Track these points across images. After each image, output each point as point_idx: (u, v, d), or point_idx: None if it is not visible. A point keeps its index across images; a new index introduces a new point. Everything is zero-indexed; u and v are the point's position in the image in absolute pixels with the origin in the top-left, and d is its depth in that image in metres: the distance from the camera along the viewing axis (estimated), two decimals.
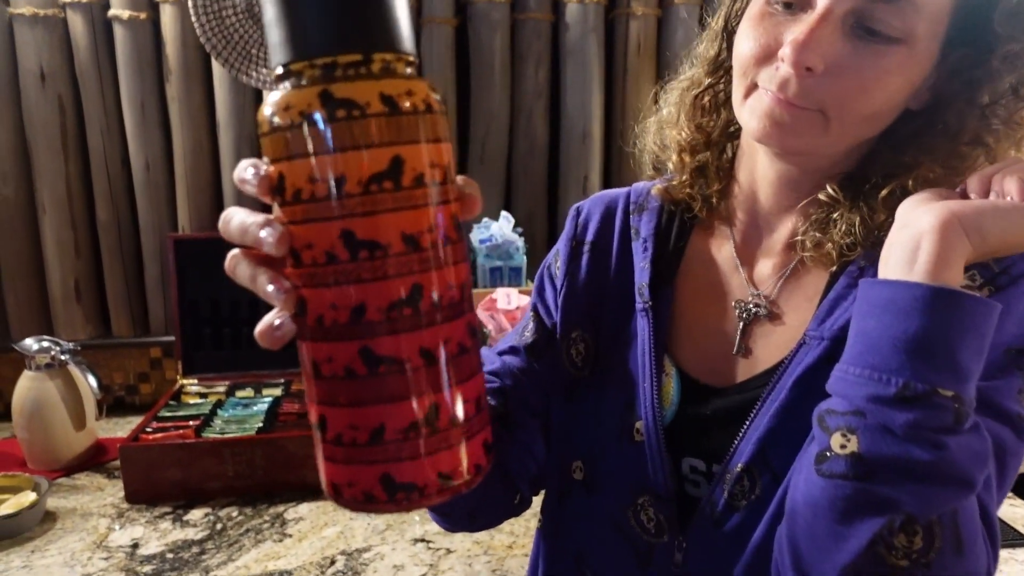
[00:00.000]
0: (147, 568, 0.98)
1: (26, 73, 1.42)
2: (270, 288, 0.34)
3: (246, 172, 0.34)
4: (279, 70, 0.33)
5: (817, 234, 0.55)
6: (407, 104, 0.32)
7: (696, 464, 0.57)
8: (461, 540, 1.04)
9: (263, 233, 0.34)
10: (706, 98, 0.62)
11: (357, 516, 1.11)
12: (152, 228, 1.53)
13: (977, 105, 0.51)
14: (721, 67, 0.61)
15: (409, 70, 0.34)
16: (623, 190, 0.69)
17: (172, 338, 1.51)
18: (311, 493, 1.18)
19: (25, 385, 1.26)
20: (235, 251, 0.37)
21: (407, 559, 1.00)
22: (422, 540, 1.05)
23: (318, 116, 0.32)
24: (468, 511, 0.63)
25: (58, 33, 1.43)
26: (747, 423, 0.54)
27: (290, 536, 1.06)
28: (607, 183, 1.63)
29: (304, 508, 1.14)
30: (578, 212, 0.69)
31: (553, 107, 1.60)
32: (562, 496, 0.64)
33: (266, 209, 0.36)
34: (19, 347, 1.27)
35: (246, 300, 1.46)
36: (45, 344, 1.27)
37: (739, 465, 0.53)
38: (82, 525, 1.09)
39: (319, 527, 1.08)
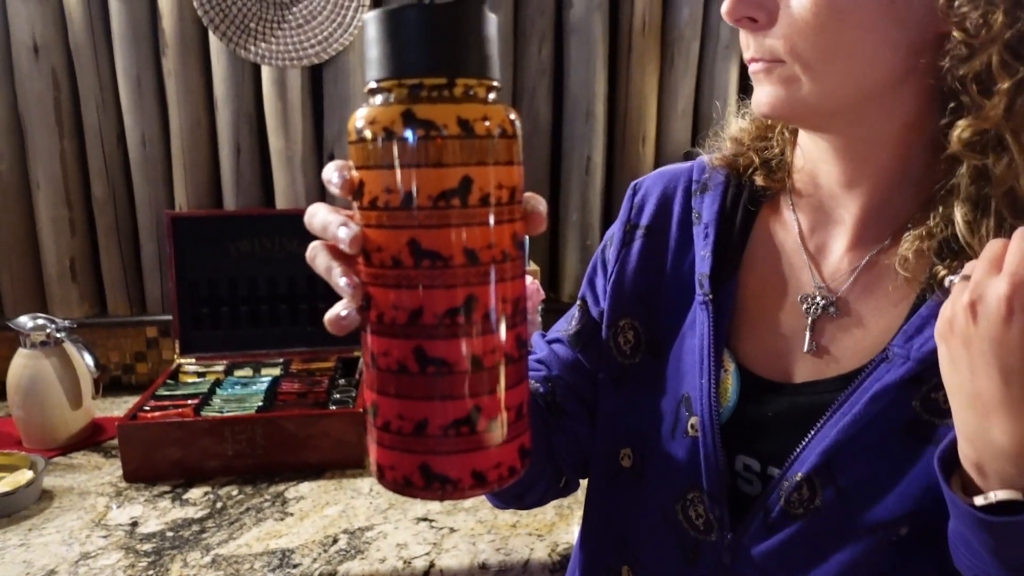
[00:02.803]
0: (147, 546, 0.97)
1: (19, 46, 1.39)
2: (342, 281, 0.37)
3: (332, 174, 0.37)
4: (372, 84, 0.36)
5: (895, 246, 0.51)
6: (482, 128, 0.35)
7: (750, 463, 0.55)
8: (464, 519, 1.03)
9: (340, 232, 0.36)
10: None
11: (359, 495, 1.10)
12: (149, 205, 1.50)
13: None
14: None
15: (491, 95, 0.36)
16: (686, 165, 0.64)
17: (169, 317, 1.49)
18: (312, 472, 1.17)
19: (20, 363, 1.24)
20: (316, 242, 0.39)
21: (410, 538, 0.99)
22: (425, 519, 1.04)
23: (399, 133, 0.34)
24: (516, 494, 0.63)
25: (51, 5, 1.39)
26: (813, 431, 0.51)
27: (291, 515, 1.05)
28: (610, 163, 1.61)
29: (305, 487, 1.13)
30: (634, 191, 0.65)
31: (556, 86, 1.58)
32: (609, 481, 0.63)
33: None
34: (13, 324, 1.25)
35: (244, 279, 1.44)
36: (40, 322, 1.25)
37: (799, 474, 0.50)
38: (80, 504, 1.08)
39: (321, 506, 1.07)
